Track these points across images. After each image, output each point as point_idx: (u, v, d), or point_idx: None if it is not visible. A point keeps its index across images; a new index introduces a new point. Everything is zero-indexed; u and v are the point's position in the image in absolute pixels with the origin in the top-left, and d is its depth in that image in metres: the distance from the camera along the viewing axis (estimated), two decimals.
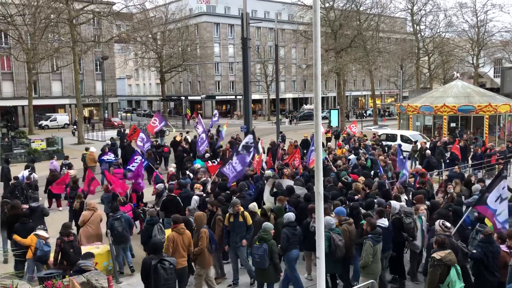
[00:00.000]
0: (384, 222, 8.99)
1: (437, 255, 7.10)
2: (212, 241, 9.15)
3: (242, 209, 9.89)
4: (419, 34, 59.78)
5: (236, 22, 69.37)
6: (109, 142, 25.17)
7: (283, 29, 71.47)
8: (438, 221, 8.49)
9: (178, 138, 25.39)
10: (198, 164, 17.12)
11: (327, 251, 8.08)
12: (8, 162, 19.55)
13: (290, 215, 9.28)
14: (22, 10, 40.60)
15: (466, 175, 15.86)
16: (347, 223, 9.22)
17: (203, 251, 8.88)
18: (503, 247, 7.76)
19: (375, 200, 10.61)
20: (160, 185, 13.49)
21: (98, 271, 7.52)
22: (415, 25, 58.65)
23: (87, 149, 22.21)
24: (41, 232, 9.95)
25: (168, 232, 10.49)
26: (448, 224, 8.31)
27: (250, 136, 13.71)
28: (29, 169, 17.25)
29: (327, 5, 44.41)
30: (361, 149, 21.54)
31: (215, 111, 27.84)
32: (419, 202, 10.13)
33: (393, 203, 9.92)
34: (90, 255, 7.99)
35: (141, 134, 20.20)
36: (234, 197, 11.61)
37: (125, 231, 10.68)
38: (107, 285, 6.41)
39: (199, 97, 72.30)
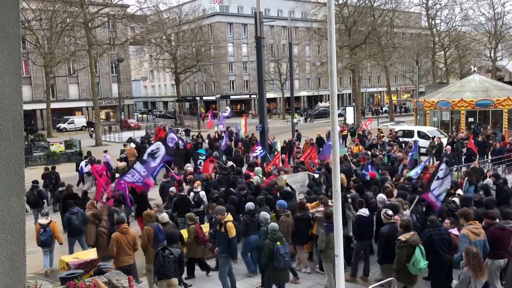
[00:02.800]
0: (364, 211, 9.58)
1: (403, 237, 7.74)
2: (157, 239, 9.38)
3: (227, 218, 9.38)
4: (435, 29, 58.96)
5: (249, 21, 69.40)
6: (139, 141, 26.26)
7: (296, 27, 71.22)
8: (383, 210, 9.06)
9: (216, 135, 26.31)
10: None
11: (263, 243, 8.92)
12: (81, 154, 22.08)
13: (249, 205, 10.23)
14: (39, 15, 41.27)
15: (485, 170, 15.64)
16: (285, 215, 10.09)
17: (148, 248, 9.38)
18: (453, 231, 8.38)
19: (348, 195, 11.11)
20: (172, 188, 13.56)
21: (119, 271, 7.62)
22: (430, 20, 57.87)
23: (125, 145, 24.57)
24: (41, 220, 10.98)
25: (183, 231, 10.81)
26: (390, 212, 8.85)
27: (157, 143, 13.46)
28: (87, 160, 19.55)
29: (340, 1, 44.13)
30: (374, 146, 21.50)
31: (227, 108, 27.21)
32: (389, 196, 10.50)
33: (380, 196, 10.43)
34: (109, 257, 8.18)
35: (171, 134, 21.11)
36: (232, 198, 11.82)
37: (82, 225, 11.40)
38: (127, 284, 6.49)
39: (213, 97, 72.54)
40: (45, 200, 15.89)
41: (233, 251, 9.28)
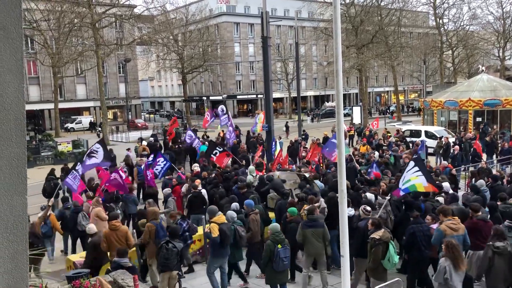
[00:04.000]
0: (349, 212, 9.71)
1: (376, 235, 8.01)
2: (157, 235, 9.56)
3: (214, 219, 9.38)
4: (442, 28, 58.61)
5: (256, 21, 69.36)
6: (152, 139, 26.74)
7: (303, 27, 71.09)
8: (361, 206, 9.45)
9: (221, 134, 26.87)
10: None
11: (231, 242, 9.30)
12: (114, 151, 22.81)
13: (234, 206, 10.52)
14: (47, 15, 41.53)
15: (494, 170, 15.53)
16: (253, 213, 10.35)
17: (150, 243, 9.59)
18: (435, 226, 8.67)
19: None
20: (166, 190, 13.61)
21: (124, 270, 7.64)
22: (438, 19, 57.51)
23: (138, 143, 25.77)
24: (40, 213, 11.30)
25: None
26: (368, 208, 9.29)
27: (97, 145, 13.53)
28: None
29: (347, 1, 43.99)
30: (384, 146, 21.38)
31: (221, 107, 26.61)
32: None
33: (368, 195, 10.73)
34: (124, 252, 8.44)
35: (189, 132, 21.94)
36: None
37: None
38: (133, 284, 6.50)
39: (220, 97, 72.63)
40: (60, 191, 16.67)
41: (216, 251, 9.26)
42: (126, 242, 9.38)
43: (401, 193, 9.99)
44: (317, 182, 13.42)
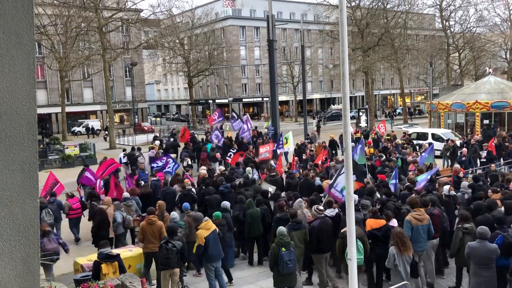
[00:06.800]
0: (331, 212, 9.98)
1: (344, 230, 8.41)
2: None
3: (201, 226, 9.59)
4: (449, 30, 58.42)
5: (261, 25, 69.47)
6: (171, 139, 28.49)
7: (309, 30, 71.12)
8: (314, 206, 9.88)
9: (229, 134, 27.54)
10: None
11: None
12: (134, 149, 23.63)
13: (226, 204, 11.13)
14: (54, 20, 41.86)
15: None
16: (187, 215, 10.87)
17: None
18: (393, 223, 9.13)
19: (321, 194, 11.67)
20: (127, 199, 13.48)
21: (132, 273, 7.68)
22: (444, 21, 57.34)
23: (152, 142, 27.49)
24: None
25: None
26: (321, 208, 9.75)
27: None
28: (124, 152, 22.79)
29: (353, 4, 43.97)
30: (389, 149, 21.30)
31: (246, 115, 28.07)
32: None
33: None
34: (106, 244, 8.75)
35: (216, 132, 23.71)
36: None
37: (57, 213, 12.95)
38: (140, 287, 6.53)
39: (226, 100, 72.70)
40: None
41: (204, 256, 9.40)
42: (160, 236, 9.80)
43: (343, 199, 10.13)
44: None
